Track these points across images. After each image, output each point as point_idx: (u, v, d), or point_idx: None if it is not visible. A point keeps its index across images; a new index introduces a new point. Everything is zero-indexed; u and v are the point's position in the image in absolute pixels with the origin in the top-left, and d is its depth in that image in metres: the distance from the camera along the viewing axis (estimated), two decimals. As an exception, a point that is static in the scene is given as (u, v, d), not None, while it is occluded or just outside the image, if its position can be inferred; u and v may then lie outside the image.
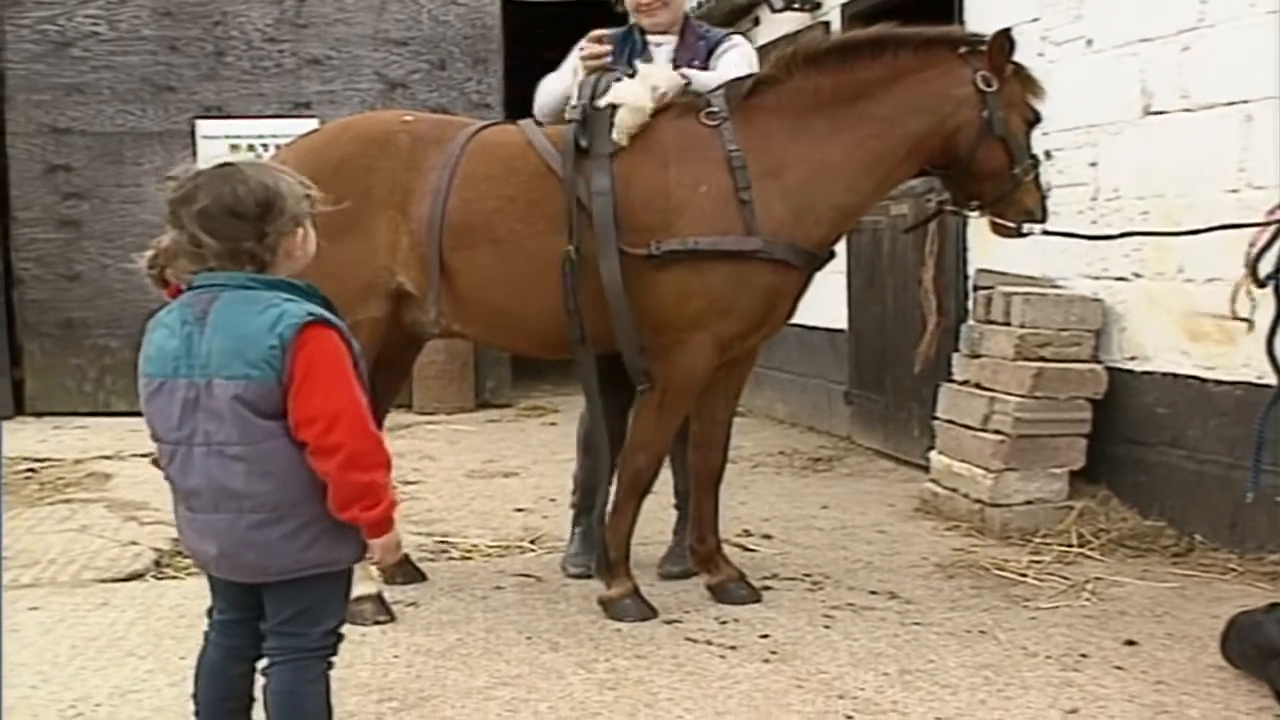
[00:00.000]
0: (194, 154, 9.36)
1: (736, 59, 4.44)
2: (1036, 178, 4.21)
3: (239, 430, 2.37)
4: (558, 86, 4.46)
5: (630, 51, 4.49)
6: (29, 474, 6.79)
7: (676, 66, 4.33)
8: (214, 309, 2.39)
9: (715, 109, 4.04)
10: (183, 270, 2.44)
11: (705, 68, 4.42)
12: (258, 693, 2.59)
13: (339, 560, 2.50)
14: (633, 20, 4.57)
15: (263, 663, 2.57)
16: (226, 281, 2.41)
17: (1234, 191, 4.59)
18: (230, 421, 2.36)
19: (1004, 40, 4.06)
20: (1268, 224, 3.53)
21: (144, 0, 9.49)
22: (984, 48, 4.07)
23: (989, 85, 4.02)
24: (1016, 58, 4.14)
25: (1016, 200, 4.14)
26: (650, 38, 4.53)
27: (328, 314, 2.43)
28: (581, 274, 3.91)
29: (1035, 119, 4.23)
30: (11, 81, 9.44)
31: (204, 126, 9.50)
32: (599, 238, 3.90)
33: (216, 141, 9.41)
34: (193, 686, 2.65)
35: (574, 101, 4.09)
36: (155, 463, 2.57)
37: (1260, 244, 3.49)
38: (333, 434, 2.36)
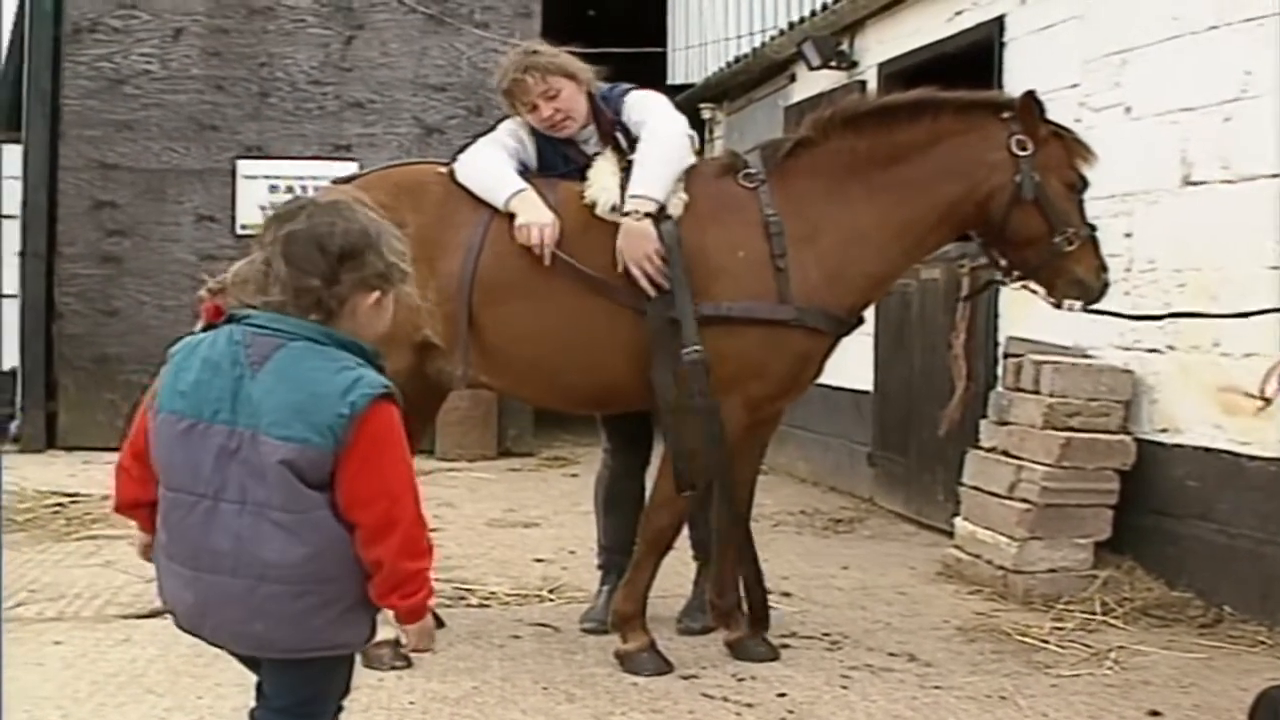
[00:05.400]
0: (233, 193, 9.52)
1: (640, 107, 4.20)
2: (1092, 246, 4.02)
3: (284, 495, 2.15)
4: (499, 161, 4.15)
5: (553, 150, 4.24)
6: (57, 508, 6.77)
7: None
8: (278, 356, 2.17)
9: (753, 170, 4.03)
10: (243, 298, 2.24)
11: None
12: None
13: (348, 644, 2.33)
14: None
15: None
16: (296, 329, 2.19)
17: (1274, 268, 4.52)
18: (274, 484, 2.15)
19: (1030, 101, 3.99)
20: None
21: (195, 40, 9.66)
22: None
23: (1024, 149, 3.94)
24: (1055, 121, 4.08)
25: (1064, 269, 3.98)
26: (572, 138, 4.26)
27: (394, 387, 2.25)
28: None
29: (1081, 184, 4.07)
30: (66, 117, 9.59)
31: (244, 166, 9.62)
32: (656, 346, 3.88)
33: (256, 181, 9.54)
34: None
35: (615, 202, 3.94)
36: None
37: None
38: (392, 516, 2.22)
